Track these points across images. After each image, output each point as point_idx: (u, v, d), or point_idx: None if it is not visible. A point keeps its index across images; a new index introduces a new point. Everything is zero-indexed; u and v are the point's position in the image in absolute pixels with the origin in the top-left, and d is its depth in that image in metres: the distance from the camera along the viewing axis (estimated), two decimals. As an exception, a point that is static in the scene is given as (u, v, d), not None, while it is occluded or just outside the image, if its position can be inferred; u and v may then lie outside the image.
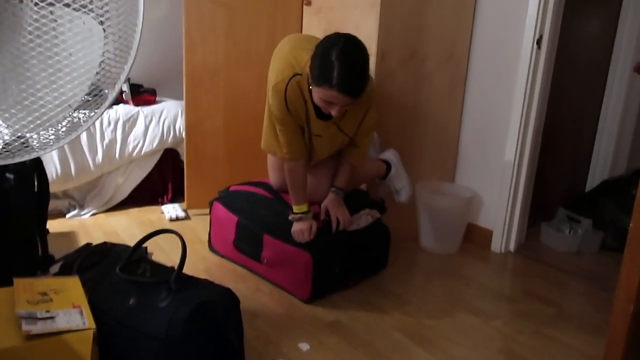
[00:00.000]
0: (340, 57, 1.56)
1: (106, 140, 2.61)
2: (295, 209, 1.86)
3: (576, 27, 2.56)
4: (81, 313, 1.26)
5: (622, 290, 1.18)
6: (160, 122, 2.75)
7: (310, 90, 1.72)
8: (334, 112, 1.64)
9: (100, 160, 2.60)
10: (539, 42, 2.21)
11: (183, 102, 2.61)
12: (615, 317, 1.21)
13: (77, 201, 2.69)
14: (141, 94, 2.87)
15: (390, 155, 2.25)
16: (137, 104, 2.80)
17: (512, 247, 2.47)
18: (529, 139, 2.34)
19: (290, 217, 1.85)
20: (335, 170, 2.01)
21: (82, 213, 2.63)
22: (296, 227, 1.83)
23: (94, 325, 1.22)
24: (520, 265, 2.34)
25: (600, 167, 2.99)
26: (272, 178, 2.10)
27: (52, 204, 2.53)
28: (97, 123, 2.59)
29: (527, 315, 1.87)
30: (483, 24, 2.40)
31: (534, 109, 2.30)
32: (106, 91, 1.12)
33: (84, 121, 1.14)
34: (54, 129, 1.13)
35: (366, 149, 1.98)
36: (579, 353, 1.64)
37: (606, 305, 1.97)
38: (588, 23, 2.70)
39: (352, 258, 1.97)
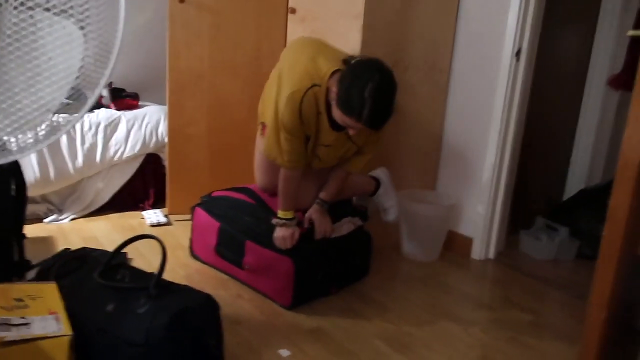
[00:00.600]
0: (374, 95, 1.53)
1: (87, 145, 2.58)
2: (280, 214, 1.85)
3: (554, 41, 2.63)
4: (57, 319, 1.24)
5: (595, 297, 1.21)
6: (142, 127, 2.73)
7: (327, 103, 1.69)
8: (352, 132, 1.68)
9: (81, 164, 2.57)
10: (518, 54, 2.26)
11: (166, 107, 2.59)
12: (589, 324, 1.23)
13: (56, 206, 2.65)
14: (123, 98, 2.85)
15: (380, 173, 2.25)
16: (119, 108, 2.78)
17: (491, 254, 2.51)
18: (508, 149, 2.38)
19: (273, 221, 1.85)
20: (324, 181, 2.00)
21: (61, 218, 2.59)
22: (279, 233, 1.83)
23: (70, 332, 1.21)
24: (499, 273, 2.37)
25: (577, 177, 3.05)
26: (259, 179, 2.08)
27: (30, 209, 2.49)
28: (78, 127, 2.56)
29: (505, 323, 1.89)
30: (464, 36, 2.44)
31: (513, 119, 2.34)
32: (86, 95, 1.11)
33: (63, 125, 1.13)
34: (33, 133, 1.12)
35: (370, 156, 1.98)
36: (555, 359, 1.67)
37: (581, 313, 2.00)
38: (566, 37, 2.77)
39: (334, 265, 1.97)
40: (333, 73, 1.67)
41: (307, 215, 1.94)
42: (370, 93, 1.53)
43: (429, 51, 2.40)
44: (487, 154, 2.41)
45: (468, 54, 2.45)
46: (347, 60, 1.69)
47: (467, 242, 2.53)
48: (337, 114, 1.65)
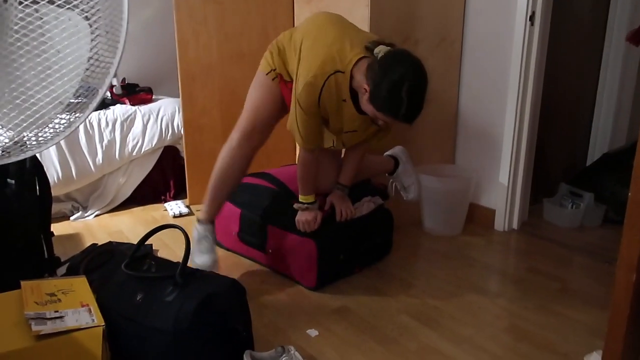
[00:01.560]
0: (410, 94, 1.53)
1: (105, 141, 2.62)
2: (301, 198, 1.85)
3: (569, 1, 2.54)
4: (90, 311, 1.27)
5: (623, 260, 1.18)
6: (158, 120, 2.75)
7: (351, 90, 1.65)
8: (382, 123, 1.67)
9: (101, 161, 2.62)
10: (531, 18, 2.20)
11: (180, 99, 2.61)
12: (618, 288, 1.21)
13: (80, 203, 2.70)
14: (137, 93, 2.87)
15: (398, 151, 2.23)
16: (133, 104, 2.81)
17: (515, 225, 2.48)
18: (526, 116, 2.34)
19: (295, 206, 1.86)
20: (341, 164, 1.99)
21: (86, 215, 2.64)
22: (301, 216, 1.84)
23: (102, 323, 1.24)
24: (524, 242, 2.35)
25: (600, 141, 2.98)
26: (246, 114, 1.91)
27: (56, 207, 2.55)
28: (95, 124, 2.60)
29: (532, 292, 1.88)
30: (475, 3, 2.39)
31: (530, 86, 2.29)
32: (96, 88, 1.12)
33: (78, 117, 1.15)
34: (51, 128, 1.14)
35: (390, 131, 1.94)
36: (584, 326, 1.65)
37: (610, 278, 1.98)
38: (581, -4, 2.68)
39: (357, 244, 1.98)
40: (358, 60, 1.62)
41: (327, 199, 1.93)
42: (407, 93, 1.52)
43: (439, 23, 2.35)
44: (505, 124, 2.37)
45: (480, 22, 2.39)
46: (370, 48, 1.62)
47: (490, 214, 2.50)
48: (368, 108, 1.61)
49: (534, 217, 2.61)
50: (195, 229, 1.96)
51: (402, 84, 1.52)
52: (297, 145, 2.06)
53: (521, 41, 2.22)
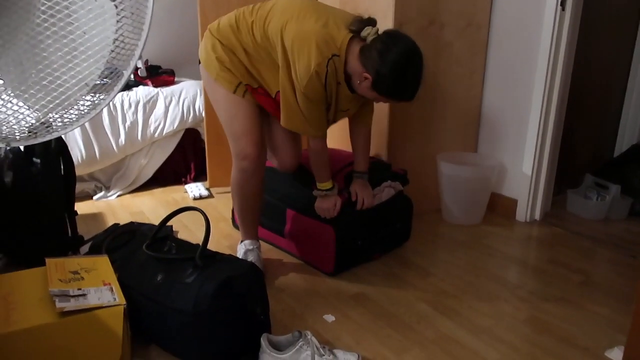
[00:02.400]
0: (413, 76, 1.55)
1: (128, 123, 2.65)
2: (319, 185, 1.83)
3: (602, -14, 2.46)
4: (111, 290, 1.30)
5: (651, 255, 1.15)
6: (180, 103, 2.76)
7: (345, 72, 1.62)
8: (377, 102, 1.68)
9: (123, 142, 2.65)
10: (562, 3, 2.13)
11: (201, 82, 2.61)
12: (644, 283, 1.18)
13: (103, 183, 2.75)
14: (160, 75, 2.89)
15: None
16: (156, 85, 2.82)
17: (537, 216, 2.44)
18: (553, 105, 2.28)
19: (314, 193, 1.85)
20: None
21: (109, 195, 2.69)
22: (321, 204, 1.83)
23: (124, 301, 1.26)
24: (546, 233, 2.31)
25: (629, 132, 2.90)
26: (236, 140, 1.79)
27: (79, 187, 2.60)
28: (119, 105, 2.62)
29: (553, 284, 1.85)
30: (504, -13, 2.32)
31: (558, 73, 2.23)
32: (121, 70, 1.12)
33: (102, 99, 1.15)
34: (76, 109, 1.15)
35: (373, 104, 1.90)
36: (606, 320, 1.62)
37: (635, 273, 1.94)
38: (615, -19, 2.58)
39: (375, 231, 1.97)
40: (349, 42, 1.58)
41: (350, 189, 1.90)
42: (410, 76, 1.55)
43: (465, 7, 2.30)
44: (531, 112, 2.31)
45: (508, 6, 2.32)
46: (355, 30, 1.58)
47: (512, 204, 2.46)
48: (369, 94, 1.61)
49: (557, 208, 2.56)
50: (239, 247, 1.94)
51: (405, 68, 1.53)
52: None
53: (551, 26, 2.15)
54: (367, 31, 1.55)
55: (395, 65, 1.51)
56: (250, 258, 1.87)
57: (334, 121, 1.82)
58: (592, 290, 1.80)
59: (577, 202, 2.51)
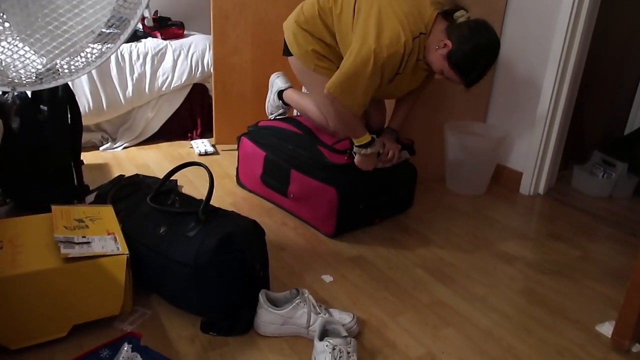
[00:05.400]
0: (486, 62, 1.66)
1: (136, 74, 2.62)
2: (358, 141, 1.79)
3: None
4: (115, 239, 1.32)
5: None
6: (188, 57, 2.73)
7: (424, 48, 1.71)
8: (439, 77, 1.75)
9: (131, 94, 2.63)
10: (586, -28, 2.06)
11: (211, 36, 2.57)
12: (641, 261, 1.19)
13: (110, 134, 2.75)
14: (169, 27, 2.84)
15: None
16: (165, 38, 2.78)
17: (541, 190, 2.43)
18: (567, 78, 2.23)
19: (359, 151, 1.81)
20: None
21: (115, 146, 2.70)
22: (362, 164, 1.84)
23: (127, 251, 1.29)
24: (548, 208, 2.31)
25: (642, 110, 2.85)
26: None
27: (86, 137, 2.61)
28: (127, 57, 2.60)
29: (551, 258, 1.86)
30: (527, -48, 2.24)
31: (575, 45, 2.17)
32: (128, 19, 1.10)
33: (109, 47, 1.14)
34: (83, 57, 1.13)
35: (430, 83, 2.01)
36: (600, 296, 1.64)
37: (633, 251, 1.95)
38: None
39: (378, 196, 1.98)
40: (436, 18, 1.69)
41: (379, 139, 1.90)
42: (485, 60, 1.65)
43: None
44: (544, 84, 2.27)
45: (530, -27, 2.25)
46: (449, 11, 1.68)
47: (517, 176, 2.46)
48: (440, 63, 1.68)
49: (562, 184, 2.55)
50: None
51: (484, 51, 1.64)
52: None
53: (570, 1, 2.09)
54: (461, 13, 1.68)
55: (479, 45, 1.63)
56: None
57: (404, 91, 1.89)
58: (589, 266, 1.82)
59: (582, 178, 2.50)
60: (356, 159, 1.85)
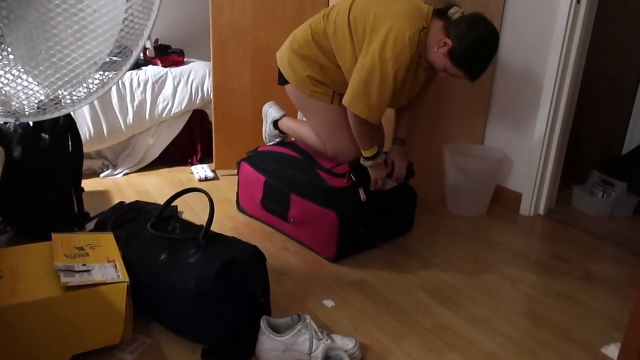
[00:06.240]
0: (488, 54, 1.67)
1: (136, 101, 2.65)
2: (367, 153, 1.85)
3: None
4: (115, 267, 1.32)
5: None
6: (188, 83, 2.76)
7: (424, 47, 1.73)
8: (442, 75, 1.75)
9: (131, 121, 2.66)
10: (578, -4, 2.10)
11: (211, 63, 2.61)
12: (644, 281, 1.18)
13: (110, 161, 2.76)
14: (169, 55, 2.88)
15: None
16: (165, 65, 2.82)
17: (541, 210, 2.43)
18: (563, 99, 2.26)
19: (363, 163, 1.87)
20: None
21: (115, 173, 2.70)
22: (377, 174, 1.88)
23: (127, 279, 1.28)
24: (549, 228, 2.31)
25: (639, 129, 2.87)
26: (336, 141, 1.94)
27: (87, 164, 2.62)
28: (127, 84, 2.63)
29: (554, 279, 1.85)
30: (519, -22, 2.29)
31: (570, 67, 2.21)
32: (130, 49, 1.12)
33: (111, 77, 1.16)
34: (85, 87, 1.15)
35: (433, 85, 2.03)
36: (604, 317, 1.63)
37: (636, 271, 1.94)
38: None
39: (378, 219, 1.98)
40: (433, 14, 1.72)
41: (388, 157, 1.95)
42: (486, 53, 1.66)
43: (479, -4, 2.27)
44: (540, 105, 2.29)
45: (522, -2, 2.30)
46: (443, 9, 1.71)
47: (516, 197, 2.46)
48: (443, 61, 1.70)
49: (562, 204, 2.55)
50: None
51: (485, 43, 1.65)
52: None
53: (565, 20, 2.13)
54: (455, 9, 1.70)
55: (479, 38, 1.63)
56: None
57: (408, 97, 1.90)
58: (592, 287, 1.81)
59: (582, 198, 2.50)
60: (370, 172, 1.89)
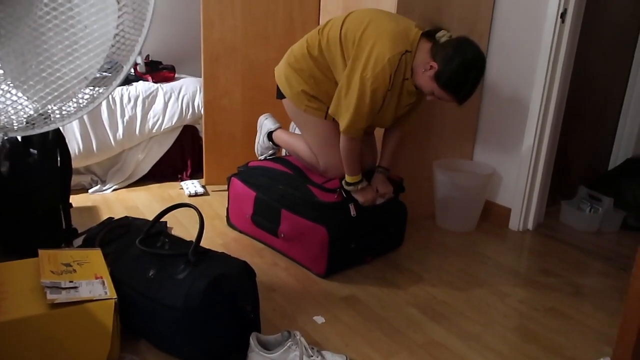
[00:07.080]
0: (475, 78, 1.67)
1: (126, 117, 2.65)
2: (351, 179, 1.88)
3: (602, 1, 2.47)
4: (103, 283, 1.30)
5: (639, 268, 1.16)
6: (179, 99, 2.77)
7: (412, 70, 1.75)
8: (430, 98, 1.77)
9: (121, 136, 2.65)
10: (563, 16, 2.15)
11: (201, 79, 2.62)
12: (632, 296, 1.19)
13: (99, 177, 2.75)
14: (160, 71, 2.89)
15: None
16: (156, 81, 2.82)
17: (530, 225, 2.45)
18: (550, 116, 2.29)
19: (349, 188, 1.89)
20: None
21: (104, 188, 2.68)
22: (363, 197, 1.89)
23: (115, 295, 1.27)
24: (538, 243, 2.32)
25: (625, 145, 2.92)
26: (326, 157, 1.97)
27: (75, 179, 2.60)
28: (118, 99, 2.63)
29: (544, 294, 1.86)
30: (505, -3, 2.34)
31: (556, 84, 2.25)
32: (121, 65, 1.13)
33: (101, 92, 1.16)
34: (75, 102, 1.15)
35: (421, 108, 2.03)
36: (594, 332, 1.63)
37: (624, 285, 1.95)
38: (616, -4, 2.61)
39: (369, 234, 1.98)
40: (420, 39, 1.73)
41: (372, 184, 1.96)
42: (473, 76, 1.67)
43: (467, 13, 2.31)
44: (527, 121, 2.33)
45: (509, 16, 2.34)
46: (431, 32, 1.73)
47: (505, 212, 2.48)
48: (429, 85, 1.71)
49: (550, 219, 2.57)
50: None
51: (471, 68, 1.66)
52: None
53: (550, 38, 2.17)
54: (442, 33, 1.71)
55: (465, 62, 1.64)
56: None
57: (396, 117, 1.90)
58: (582, 302, 1.82)
59: (570, 214, 2.53)
60: (357, 197, 1.89)
